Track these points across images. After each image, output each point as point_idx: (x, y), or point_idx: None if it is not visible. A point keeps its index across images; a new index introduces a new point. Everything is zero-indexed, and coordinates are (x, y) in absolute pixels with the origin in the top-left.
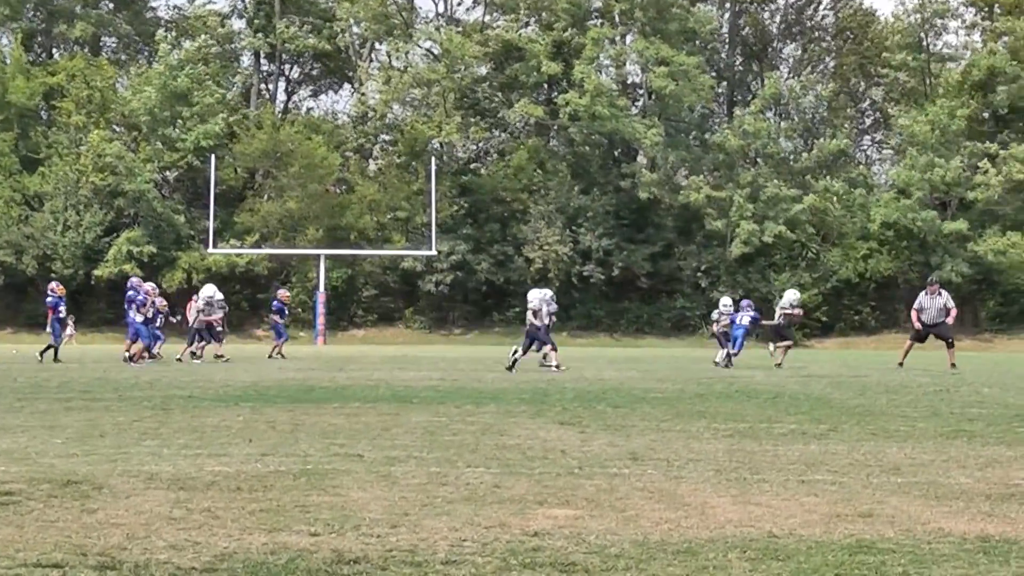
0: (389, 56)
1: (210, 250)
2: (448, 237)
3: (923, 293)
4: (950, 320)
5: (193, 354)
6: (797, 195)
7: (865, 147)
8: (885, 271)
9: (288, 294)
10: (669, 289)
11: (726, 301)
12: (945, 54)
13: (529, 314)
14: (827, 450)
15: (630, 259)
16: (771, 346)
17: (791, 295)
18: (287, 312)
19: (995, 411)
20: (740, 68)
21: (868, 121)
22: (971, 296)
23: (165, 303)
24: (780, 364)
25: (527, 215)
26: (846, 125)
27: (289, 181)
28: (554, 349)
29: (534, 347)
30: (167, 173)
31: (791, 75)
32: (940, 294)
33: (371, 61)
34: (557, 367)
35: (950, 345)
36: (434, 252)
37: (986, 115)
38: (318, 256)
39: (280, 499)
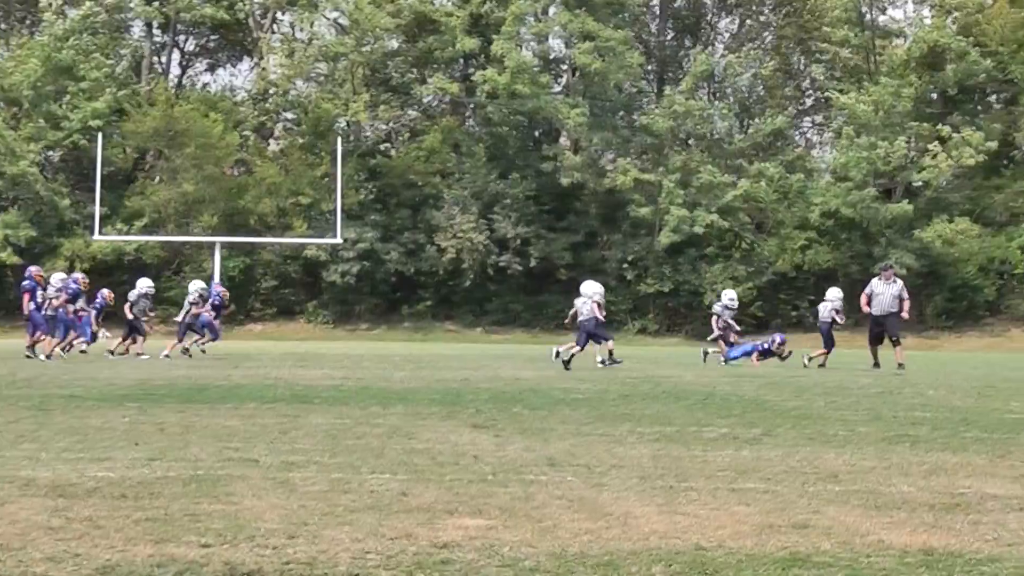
0: (292, 27)
1: (96, 236)
2: (355, 224)
3: (876, 279)
4: (904, 314)
5: (185, 349)
6: (731, 181)
7: (805, 130)
8: (824, 263)
9: (111, 293)
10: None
11: (732, 295)
12: (890, 30)
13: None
14: (760, 456)
15: (550, 249)
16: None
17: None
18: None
19: (941, 415)
20: (672, 44)
21: (809, 102)
22: (917, 291)
23: (111, 294)
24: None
25: (440, 200)
26: (786, 107)
27: (183, 162)
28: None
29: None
30: (51, 153)
31: (726, 52)
32: (895, 281)
33: (273, 32)
34: (603, 362)
35: (896, 343)
36: (339, 240)
37: (934, 95)
38: (213, 244)
39: (168, 507)
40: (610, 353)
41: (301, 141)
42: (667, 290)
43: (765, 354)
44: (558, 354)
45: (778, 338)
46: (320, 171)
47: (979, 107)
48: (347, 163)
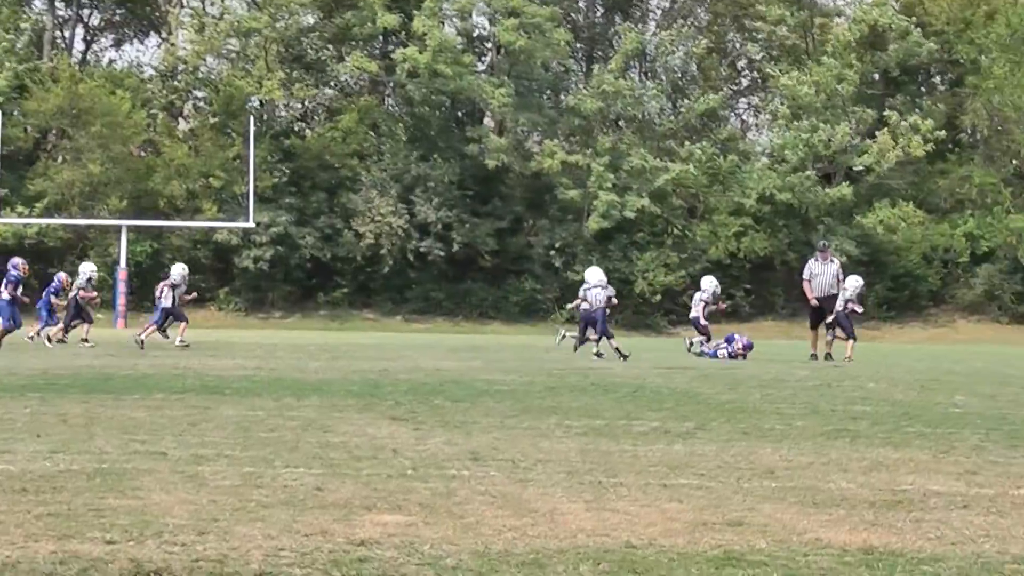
0: (203, 1)
1: None
2: (268, 207)
3: (812, 259)
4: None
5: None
6: (663, 164)
7: (741, 111)
8: (761, 250)
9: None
10: (517, 269)
11: (713, 280)
12: (827, 9)
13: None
14: (693, 451)
15: (474, 234)
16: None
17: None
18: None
19: (881, 409)
20: (601, 21)
21: (745, 82)
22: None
23: (67, 277)
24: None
25: (358, 183)
26: (721, 88)
27: (88, 142)
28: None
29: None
30: None
31: (658, 29)
32: (832, 261)
33: (182, 6)
34: (599, 354)
35: (832, 327)
36: (252, 224)
37: (876, 76)
38: (119, 227)
39: (72, 502)
40: (598, 351)
41: (212, 121)
42: None
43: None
44: (568, 339)
45: (742, 341)
46: (232, 152)
47: (923, 88)
48: (260, 144)
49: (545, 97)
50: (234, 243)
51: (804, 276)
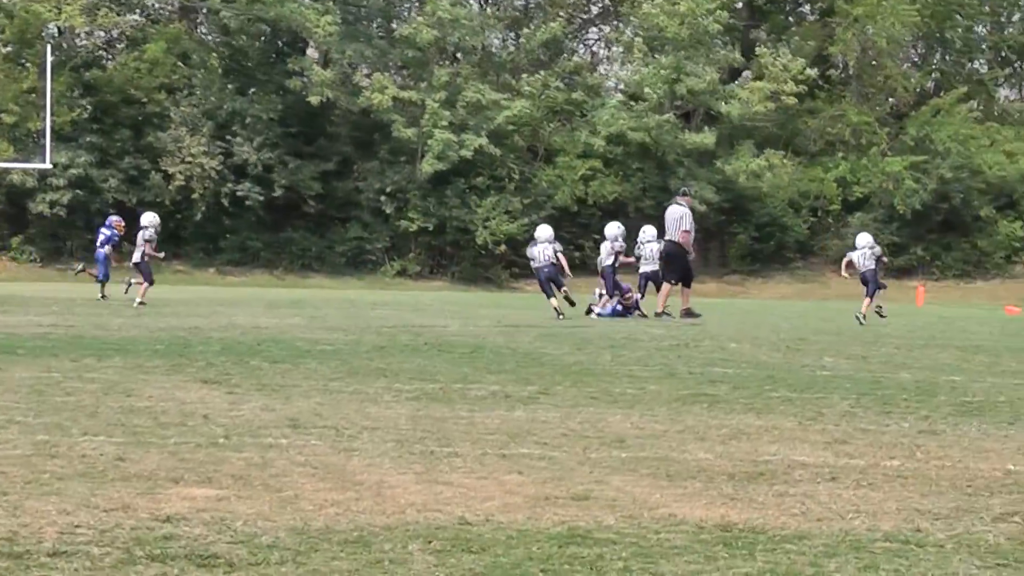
0: None
1: None
2: (67, 146)
3: (672, 206)
4: (686, 244)
5: None
6: (504, 100)
7: (591, 42)
8: (610, 195)
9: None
10: (344, 216)
11: (620, 226)
12: None
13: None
14: (535, 418)
15: (296, 177)
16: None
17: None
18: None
19: (743, 371)
20: None
21: (595, 10)
22: (718, 229)
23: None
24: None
25: (167, 120)
26: (570, 18)
27: None
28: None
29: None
30: None
31: None
32: (681, 205)
33: None
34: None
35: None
36: (48, 165)
37: (739, 5)
38: None
39: None
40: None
41: (5, 50)
42: (431, 227)
43: (626, 312)
44: (592, 312)
45: (624, 288)
46: (26, 85)
47: (791, 18)
48: (58, 76)
49: (375, 26)
50: (29, 186)
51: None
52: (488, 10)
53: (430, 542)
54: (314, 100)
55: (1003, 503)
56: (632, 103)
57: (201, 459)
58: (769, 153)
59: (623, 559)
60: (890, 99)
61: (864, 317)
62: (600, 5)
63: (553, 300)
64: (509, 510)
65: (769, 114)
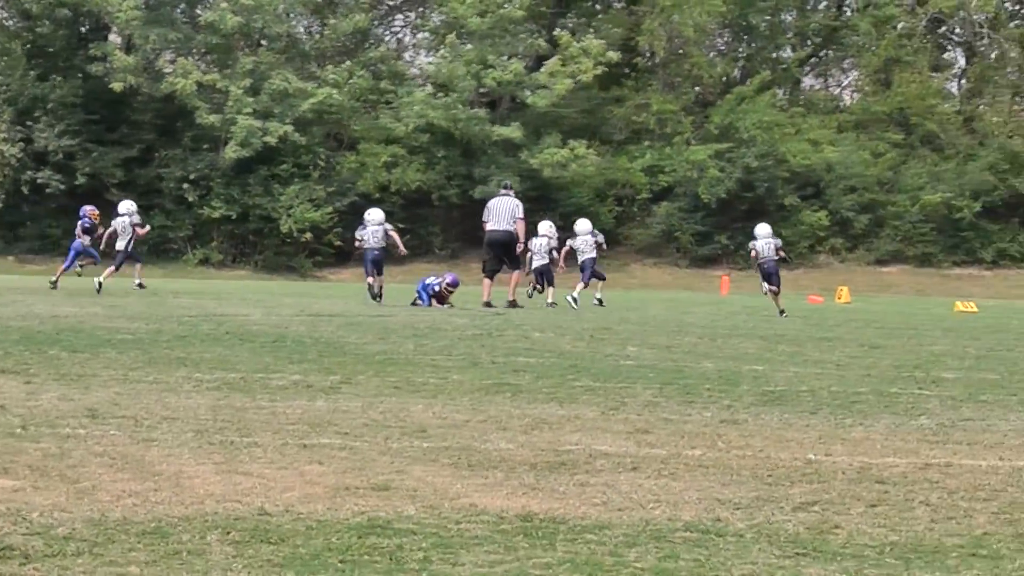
0: None
1: None
2: None
3: (496, 198)
4: (520, 233)
5: None
6: (309, 88)
7: (397, 29)
8: (413, 183)
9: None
10: (147, 203)
11: (551, 224)
12: None
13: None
14: (337, 407)
15: (99, 164)
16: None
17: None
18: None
19: (547, 360)
20: None
21: None
22: (523, 217)
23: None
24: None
25: None
26: (376, 5)
27: None
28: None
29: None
30: None
31: None
32: (510, 196)
33: None
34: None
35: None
36: None
37: None
38: None
39: None
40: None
41: None
42: (234, 215)
43: (439, 298)
44: (576, 300)
45: (448, 277)
46: None
47: (597, 6)
48: None
49: (179, 11)
50: None
51: (484, 217)
52: None
53: (228, 533)
54: (117, 86)
55: (803, 492)
56: (440, 95)
57: None
58: (574, 144)
59: (423, 549)
60: (696, 88)
61: (783, 313)
62: None
63: (370, 279)
64: (309, 500)
65: (575, 102)
